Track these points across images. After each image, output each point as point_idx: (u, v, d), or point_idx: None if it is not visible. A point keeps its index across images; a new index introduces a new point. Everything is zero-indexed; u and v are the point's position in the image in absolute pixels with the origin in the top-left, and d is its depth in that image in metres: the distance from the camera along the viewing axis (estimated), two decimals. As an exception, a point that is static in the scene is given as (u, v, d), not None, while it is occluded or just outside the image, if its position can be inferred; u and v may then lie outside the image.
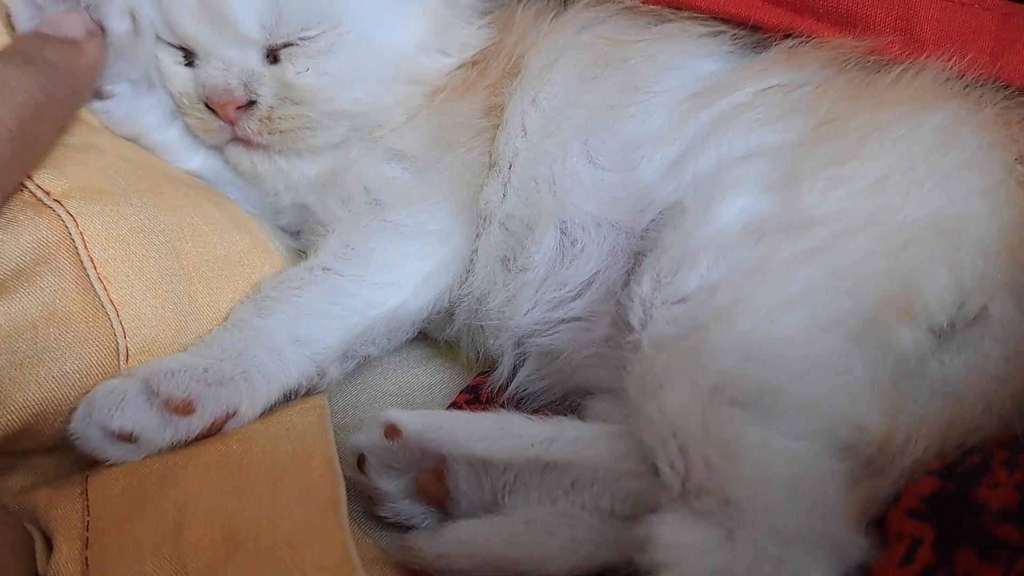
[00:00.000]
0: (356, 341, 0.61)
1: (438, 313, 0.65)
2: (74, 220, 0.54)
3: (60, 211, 0.54)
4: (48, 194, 0.54)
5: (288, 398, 0.57)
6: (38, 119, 0.52)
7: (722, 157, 0.56)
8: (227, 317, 0.59)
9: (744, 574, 0.42)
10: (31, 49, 0.54)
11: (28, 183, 0.55)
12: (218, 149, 0.68)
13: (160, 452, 0.53)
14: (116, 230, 0.55)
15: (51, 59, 0.54)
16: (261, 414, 0.56)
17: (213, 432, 0.54)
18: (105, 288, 0.54)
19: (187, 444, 0.53)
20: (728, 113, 0.57)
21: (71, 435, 0.52)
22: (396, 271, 0.62)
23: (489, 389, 0.65)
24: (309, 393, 0.59)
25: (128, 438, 0.52)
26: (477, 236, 0.64)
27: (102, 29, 0.61)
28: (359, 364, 0.65)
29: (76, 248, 0.54)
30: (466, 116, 0.64)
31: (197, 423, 0.53)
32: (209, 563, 0.46)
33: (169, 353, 0.56)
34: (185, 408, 0.52)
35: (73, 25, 0.57)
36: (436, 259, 0.63)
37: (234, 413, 0.54)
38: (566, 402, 0.62)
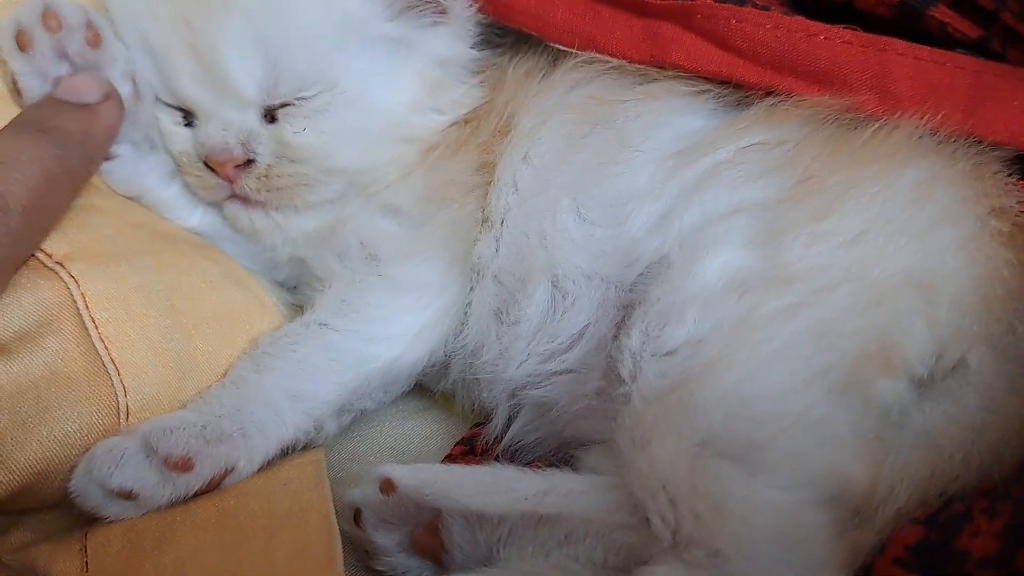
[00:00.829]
0: (352, 395, 0.62)
1: (433, 366, 0.66)
2: (76, 282, 0.55)
3: (62, 273, 0.55)
4: (50, 257, 0.56)
5: (285, 452, 0.58)
6: (51, 191, 0.52)
7: (706, 213, 0.57)
8: (225, 374, 0.60)
9: (733, 625, 0.43)
10: (46, 118, 0.55)
11: None
12: (216, 206, 0.69)
13: (159, 509, 0.54)
14: (117, 291, 0.57)
15: (66, 128, 0.54)
16: (259, 469, 0.57)
17: (211, 488, 0.55)
18: (107, 348, 0.55)
19: (185, 501, 0.54)
20: (711, 170, 0.59)
21: (71, 493, 0.53)
22: (391, 325, 0.63)
23: (484, 441, 0.66)
24: (307, 447, 0.60)
25: (127, 495, 0.53)
26: (471, 289, 0.65)
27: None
28: (356, 418, 0.66)
29: (78, 309, 0.55)
30: (459, 173, 0.66)
31: (196, 480, 0.54)
32: None
33: (169, 411, 0.57)
34: (184, 465, 0.53)
35: (90, 89, 0.58)
36: (430, 312, 0.64)
37: (232, 469, 0.55)
38: (560, 453, 0.63)
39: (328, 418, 0.61)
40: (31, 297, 0.54)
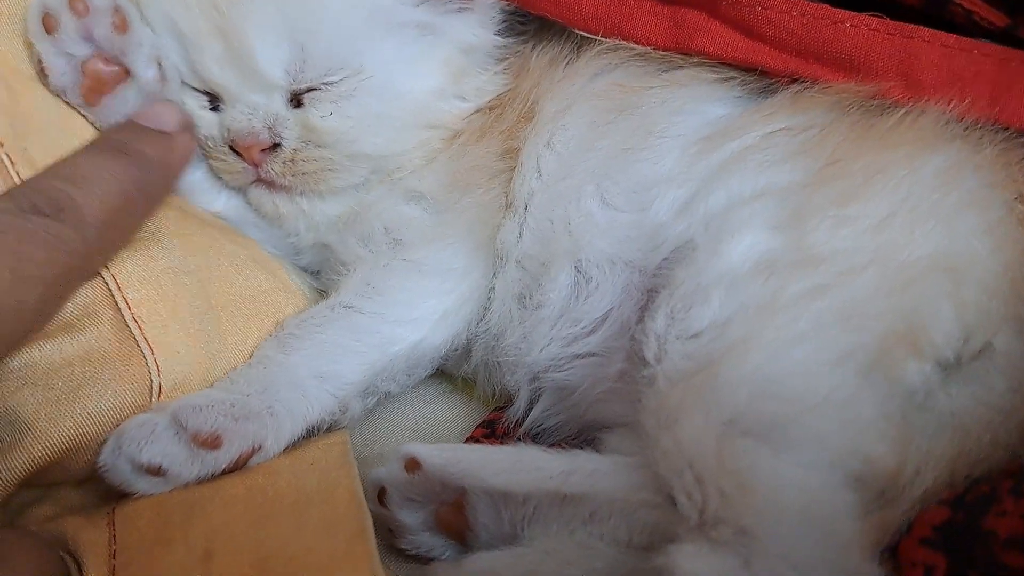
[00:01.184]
0: (377, 377, 0.63)
1: (456, 350, 0.67)
2: (106, 266, 0.56)
3: None
4: None
5: (311, 433, 0.59)
6: (127, 211, 0.53)
7: (731, 197, 0.57)
8: (252, 355, 0.60)
9: (761, 602, 0.43)
10: (127, 141, 0.56)
11: None
12: (241, 191, 0.70)
13: (187, 486, 0.54)
14: (148, 272, 0.57)
15: (146, 152, 0.55)
16: (284, 450, 0.57)
17: (239, 466, 0.55)
18: (140, 328, 0.55)
19: (213, 478, 0.54)
20: (737, 155, 0.59)
21: (101, 467, 0.53)
22: (416, 308, 0.63)
23: (505, 424, 0.66)
24: (331, 429, 0.61)
25: (156, 471, 0.53)
26: (494, 275, 0.66)
27: (128, 73, 0.64)
28: (379, 401, 0.66)
29: (111, 291, 0.55)
30: (483, 159, 0.66)
31: (224, 457, 0.54)
32: None
33: (200, 390, 0.58)
34: (213, 442, 0.53)
35: (169, 118, 0.59)
36: (454, 296, 0.65)
37: (260, 448, 0.55)
38: (581, 436, 0.63)
39: (353, 399, 0.61)
40: None
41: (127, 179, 0.53)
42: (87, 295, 0.55)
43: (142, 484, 0.53)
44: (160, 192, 0.57)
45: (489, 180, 0.66)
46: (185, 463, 0.53)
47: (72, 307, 0.54)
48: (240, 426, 0.54)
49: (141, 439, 0.53)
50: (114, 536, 0.52)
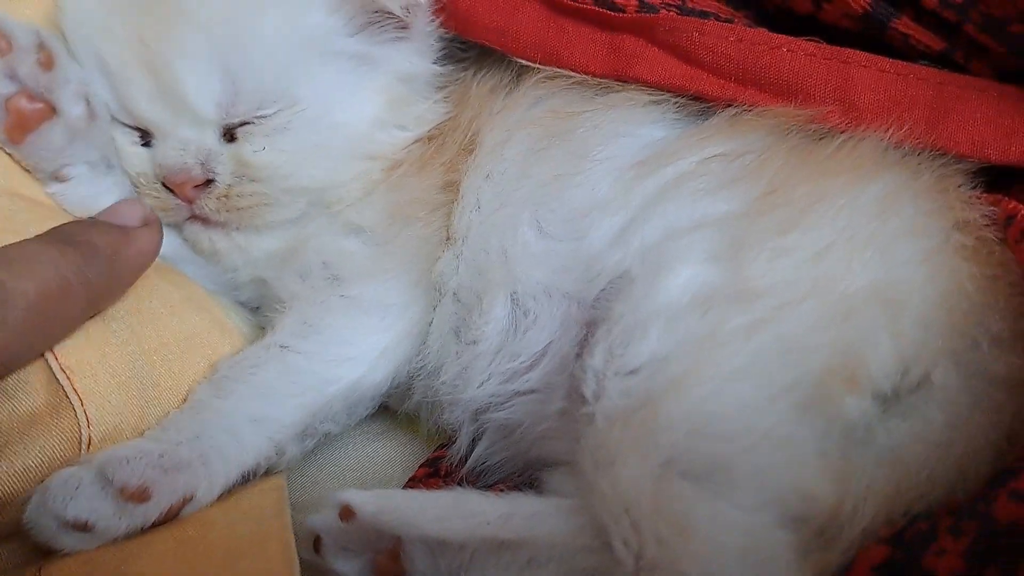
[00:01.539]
0: (315, 418, 0.61)
1: (396, 387, 0.65)
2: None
3: None
4: None
5: (247, 479, 0.57)
6: (63, 299, 0.51)
7: (668, 226, 0.57)
8: (185, 399, 0.59)
9: (698, 652, 0.42)
10: (77, 232, 0.55)
11: None
12: (176, 228, 0.68)
13: (115, 541, 0.52)
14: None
15: (95, 242, 0.54)
16: (219, 496, 0.55)
17: (170, 517, 0.53)
18: (69, 379, 0.54)
19: (143, 532, 0.52)
20: (672, 182, 0.58)
21: (26, 524, 0.51)
22: (354, 346, 0.62)
23: (448, 462, 0.65)
24: (268, 472, 0.59)
25: (83, 527, 0.51)
26: (433, 309, 0.64)
27: (54, 111, 0.62)
28: (319, 441, 0.64)
29: None
30: (424, 192, 0.65)
31: (153, 510, 0.52)
32: None
33: (130, 440, 0.56)
34: (140, 495, 0.51)
35: (131, 215, 0.59)
36: (394, 332, 0.63)
37: (191, 498, 0.53)
38: (526, 474, 0.62)
39: (290, 442, 0.60)
40: None
41: (67, 267, 0.51)
42: None
43: (68, 540, 0.51)
44: (107, 285, 0.56)
45: (429, 213, 0.65)
46: (112, 518, 0.51)
47: None
48: (170, 478, 0.53)
49: (66, 495, 0.51)
50: None
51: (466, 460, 0.64)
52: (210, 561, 0.51)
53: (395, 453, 0.69)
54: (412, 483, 0.64)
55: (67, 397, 0.54)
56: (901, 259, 0.53)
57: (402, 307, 0.64)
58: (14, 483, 0.52)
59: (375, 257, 0.65)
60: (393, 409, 0.69)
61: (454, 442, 0.64)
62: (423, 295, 0.64)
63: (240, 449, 0.56)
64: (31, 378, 0.53)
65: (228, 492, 0.56)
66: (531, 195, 0.62)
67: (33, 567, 0.52)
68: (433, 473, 0.64)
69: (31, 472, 0.52)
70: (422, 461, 0.66)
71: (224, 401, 0.58)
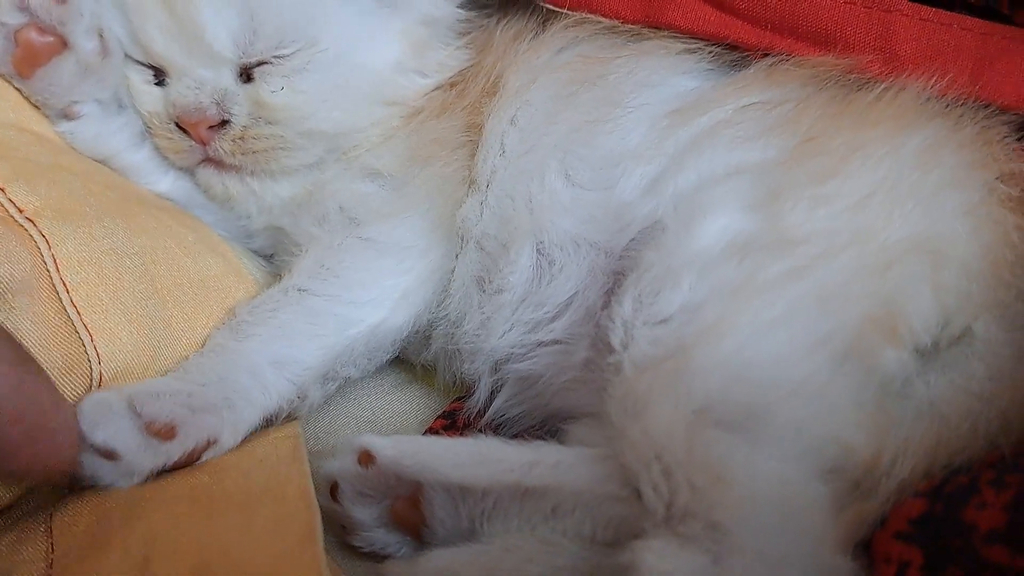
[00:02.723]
0: (336, 362, 0.60)
1: (416, 334, 0.64)
2: (47, 242, 0.53)
3: (33, 231, 0.53)
4: (21, 212, 0.53)
5: (269, 422, 0.56)
6: None
7: (702, 175, 0.55)
8: (204, 343, 0.57)
9: (731, 601, 0.41)
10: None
11: (1, 197, 0.53)
12: (188, 171, 0.67)
13: (133, 479, 0.51)
14: (89, 252, 0.54)
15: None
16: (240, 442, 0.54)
17: (191, 461, 0.52)
18: (79, 313, 0.52)
19: (156, 477, 0.51)
20: (708, 130, 0.57)
21: None
22: (372, 288, 0.61)
23: (466, 415, 0.64)
24: (289, 418, 0.58)
25: (110, 455, 0.50)
26: (456, 256, 0.63)
27: (66, 45, 0.60)
28: (340, 386, 0.63)
29: (48, 271, 0.52)
30: (445, 132, 0.64)
31: (177, 449, 0.51)
32: None
33: (142, 379, 0.54)
34: (167, 432, 0.50)
35: None
36: (413, 275, 0.62)
37: (215, 441, 0.52)
38: (546, 427, 0.60)
39: (312, 385, 0.59)
40: (1, 256, 0.51)
41: None
42: (13, 259, 0.51)
43: (93, 467, 0.50)
44: None
45: (450, 152, 0.63)
46: (138, 451, 0.50)
47: (6, 283, 0.51)
48: (197, 418, 0.52)
49: (97, 418, 0.49)
50: (52, 545, 0.49)
51: (484, 412, 0.63)
52: (226, 506, 0.49)
53: (411, 405, 0.68)
54: (429, 435, 0.63)
55: (76, 332, 0.52)
56: (943, 210, 0.52)
57: (421, 250, 0.62)
58: None
59: (392, 199, 0.63)
60: (410, 360, 0.68)
61: (472, 394, 0.63)
62: (444, 239, 0.63)
63: (263, 392, 0.55)
64: (38, 307, 0.52)
65: (243, 441, 0.54)
66: (559, 142, 0.60)
67: (42, 516, 0.51)
68: (450, 425, 0.63)
69: None
70: (438, 413, 0.65)
71: (244, 343, 0.56)
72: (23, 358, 0.46)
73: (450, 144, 0.63)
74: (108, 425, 0.49)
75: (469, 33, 0.68)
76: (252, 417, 0.54)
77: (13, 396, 0.43)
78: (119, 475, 0.50)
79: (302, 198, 0.65)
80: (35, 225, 0.53)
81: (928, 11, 0.57)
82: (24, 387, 0.44)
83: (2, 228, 0.52)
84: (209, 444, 0.52)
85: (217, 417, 0.52)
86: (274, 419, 0.56)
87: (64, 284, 0.53)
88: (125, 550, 0.47)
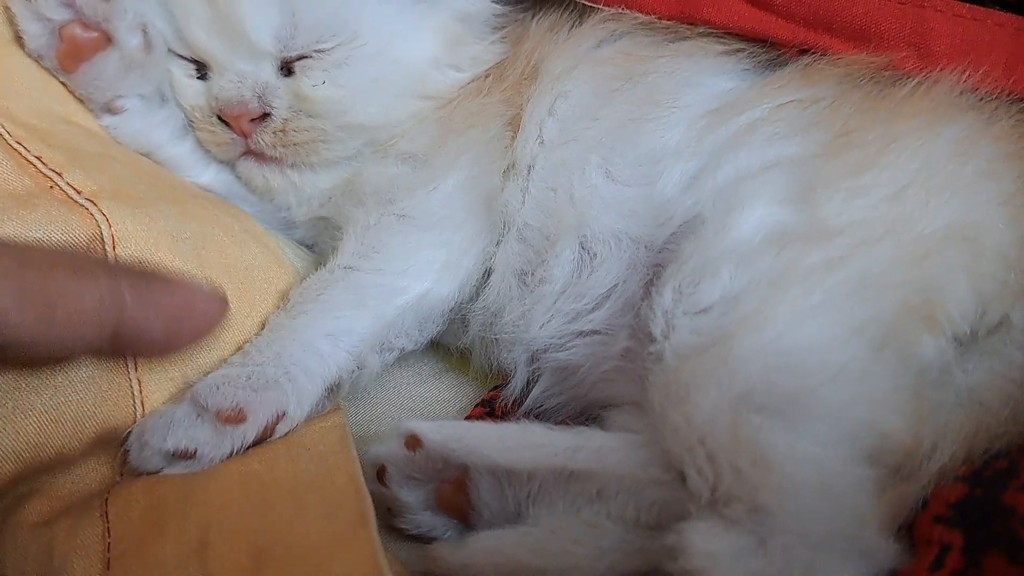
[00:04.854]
0: (388, 331, 0.61)
1: (456, 316, 0.65)
2: (107, 220, 0.53)
3: (94, 211, 0.53)
4: (79, 192, 0.54)
5: (330, 393, 0.57)
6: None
7: (740, 170, 0.56)
8: (249, 328, 0.58)
9: (776, 580, 0.42)
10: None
11: (58, 180, 0.54)
12: (230, 164, 0.68)
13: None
14: (148, 233, 0.55)
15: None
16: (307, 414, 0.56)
17: (266, 437, 0.53)
18: None
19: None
20: (746, 128, 0.58)
21: (131, 465, 0.52)
22: (413, 260, 0.62)
23: (503, 403, 0.64)
24: (334, 408, 0.59)
25: (187, 455, 0.51)
26: (497, 243, 0.64)
27: (109, 40, 0.61)
28: (396, 357, 0.64)
29: (105, 250, 0.53)
30: (482, 107, 0.65)
31: (251, 429, 0.52)
32: None
33: (184, 363, 0.55)
34: (237, 417, 0.52)
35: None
36: (452, 247, 0.62)
37: (284, 414, 0.54)
38: (584, 416, 0.61)
39: (368, 355, 0.60)
40: (61, 233, 0.51)
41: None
42: (72, 236, 0.52)
43: (176, 468, 0.52)
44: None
45: (487, 121, 0.64)
46: (213, 442, 0.52)
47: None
48: (260, 396, 0.53)
49: (162, 429, 0.51)
50: (108, 529, 0.50)
51: (522, 401, 0.64)
52: (277, 493, 0.50)
53: (450, 393, 0.69)
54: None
55: None
56: (979, 201, 0.53)
57: (457, 222, 0.63)
58: (71, 394, 0.51)
59: (422, 172, 0.64)
60: (447, 347, 0.69)
61: (508, 383, 0.64)
62: (482, 212, 0.63)
63: (321, 363, 0.56)
64: None
65: (290, 432, 0.55)
66: (601, 138, 0.61)
67: (98, 500, 0.52)
68: (489, 413, 0.64)
69: (84, 383, 0.52)
70: (476, 401, 0.66)
71: (297, 320, 0.57)
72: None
73: (486, 115, 0.64)
74: (176, 431, 0.51)
75: (504, 28, 0.69)
76: (314, 388, 0.55)
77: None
78: (202, 465, 0.52)
79: (341, 188, 0.67)
80: (95, 204, 0.54)
81: (962, 7, 0.58)
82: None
83: (63, 207, 0.53)
84: (279, 418, 0.53)
85: (280, 391, 0.53)
86: (337, 389, 0.58)
87: (117, 261, 0.53)
88: (181, 535, 0.48)
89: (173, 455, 0.51)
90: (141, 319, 0.47)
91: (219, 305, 0.52)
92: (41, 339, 0.43)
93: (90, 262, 0.47)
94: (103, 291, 0.45)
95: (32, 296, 0.42)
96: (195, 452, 0.51)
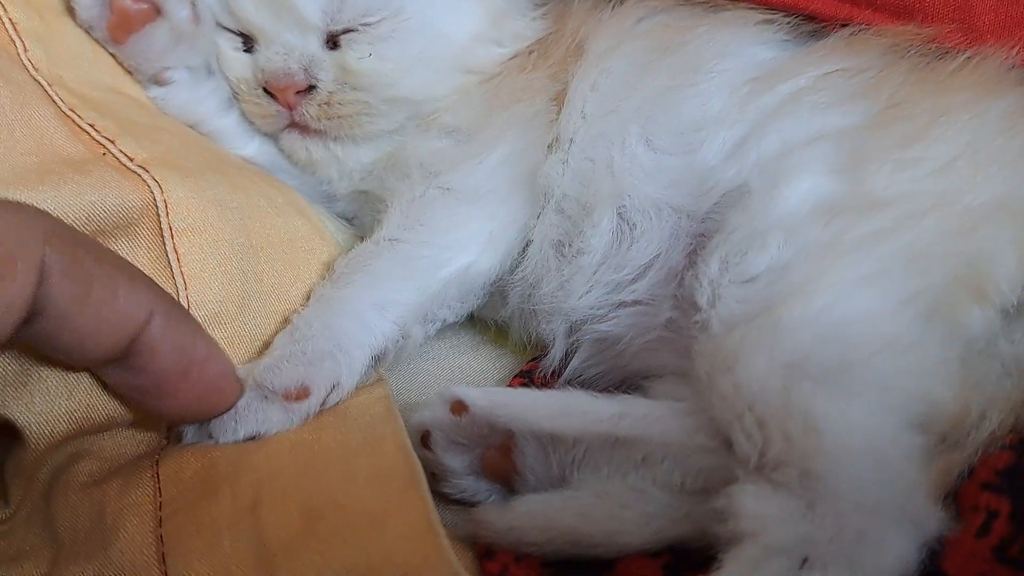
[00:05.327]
0: (432, 303, 0.61)
1: (496, 288, 0.65)
2: (160, 186, 0.54)
3: (147, 177, 0.54)
4: (132, 160, 0.55)
5: (376, 363, 0.58)
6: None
7: (786, 140, 0.56)
8: (290, 299, 0.59)
9: (826, 544, 0.42)
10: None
11: (111, 148, 0.55)
12: (273, 137, 0.69)
13: None
14: (198, 201, 0.56)
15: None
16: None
17: (320, 408, 0.54)
18: (179, 259, 0.54)
19: None
20: (790, 97, 0.58)
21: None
22: (458, 233, 0.62)
23: (542, 374, 0.65)
24: (378, 380, 0.59)
25: (258, 437, 0.52)
26: (537, 216, 0.64)
27: (158, 12, 0.62)
28: (440, 328, 0.65)
29: (159, 215, 0.54)
30: (528, 83, 0.65)
31: (314, 403, 0.53)
32: (289, 537, 0.46)
33: (229, 330, 0.56)
34: (302, 393, 0.52)
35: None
36: (498, 220, 0.63)
37: (338, 384, 0.54)
38: (624, 386, 0.62)
39: (413, 325, 0.60)
40: (115, 198, 0.52)
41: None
42: (125, 202, 0.53)
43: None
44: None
45: (533, 96, 0.64)
46: (284, 420, 0.52)
47: (107, 215, 0.52)
48: (318, 369, 0.54)
49: (233, 421, 0.51)
50: (159, 489, 0.50)
51: (560, 372, 0.64)
52: (327, 458, 0.51)
53: (487, 365, 0.69)
54: (512, 390, 0.64)
55: (172, 278, 0.54)
56: (1027, 175, 0.53)
57: (503, 195, 0.63)
58: None
59: (468, 146, 0.65)
60: (485, 319, 0.70)
61: (547, 354, 0.65)
62: (526, 187, 0.63)
63: (368, 332, 0.57)
64: (139, 251, 0.54)
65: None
66: (640, 107, 0.61)
67: (147, 462, 0.52)
68: (527, 384, 0.64)
69: None
70: (515, 372, 0.66)
71: (344, 291, 0.58)
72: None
73: (532, 90, 0.65)
74: (248, 419, 0.51)
75: (545, 4, 0.69)
76: (363, 357, 0.56)
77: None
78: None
79: (383, 162, 0.67)
80: (148, 172, 0.54)
81: (1006, -18, 0.58)
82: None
83: (116, 173, 0.54)
84: (334, 388, 0.54)
85: (334, 362, 0.54)
86: (382, 359, 0.58)
87: (171, 229, 0.54)
88: (234, 497, 0.48)
89: (248, 439, 0.51)
90: (159, 346, 0.46)
91: (236, 391, 0.51)
92: (69, 319, 0.43)
93: (139, 273, 0.47)
94: (138, 297, 0.45)
95: (75, 272, 0.42)
96: (267, 433, 0.52)
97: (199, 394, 0.49)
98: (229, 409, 0.51)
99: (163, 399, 0.48)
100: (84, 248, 0.44)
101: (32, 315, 0.42)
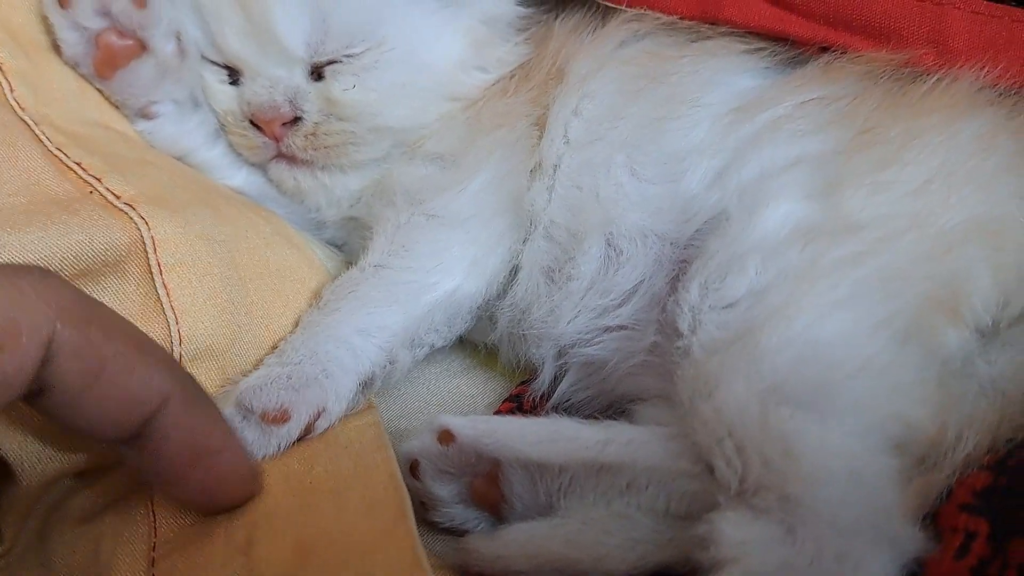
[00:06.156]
0: (418, 327, 0.62)
1: (485, 312, 0.66)
2: (147, 224, 0.55)
3: (133, 215, 0.55)
4: (119, 198, 0.55)
5: (364, 388, 0.58)
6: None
7: (764, 167, 0.57)
8: (281, 329, 0.60)
9: (806, 568, 0.43)
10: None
11: (97, 186, 0.56)
12: (261, 167, 0.69)
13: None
14: (186, 236, 0.56)
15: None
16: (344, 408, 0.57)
17: (307, 434, 0.55)
18: (168, 294, 0.54)
19: None
20: (769, 125, 0.59)
21: None
22: (442, 258, 0.63)
23: (531, 398, 0.66)
24: (368, 406, 0.60)
25: None
26: (524, 241, 0.65)
27: (144, 48, 0.63)
28: (427, 353, 0.66)
29: (146, 252, 0.54)
30: (509, 107, 0.66)
31: (294, 427, 0.53)
32: (282, 573, 0.46)
33: (220, 363, 0.57)
34: (282, 417, 0.53)
35: None
36: (480, 245, 0.64)
37: (323, 410, 0.55)
38: (612, 409, 0.62)
39: (400, 350, 0.61)
40: (103, 236, 0.53)
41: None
42: (113, 240, 0.53)
43: None
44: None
45: (514, 121, 0.65)
46: (261, 442, 0.53)
47: (95, 255, 0.52)
48: (301, 395, 0.54)
49: None
50: (155, 529, 0.51)
51: (549, 396, 0.65)
52: (318, 492, 0.51)
53: (477, 389, 0.70)
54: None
55: (163, 312, 0.55)
56: (1001, 195, 0.53)
57: (484, 219, 0.64)
58: None
59: (451, 172, 0.65)
60: (475, 343, 0.70)
61: (536, 378, 0.65)
62: (509, 210, 0.64)
63: (355, 358, 0.58)
64: (129, 287, 0.54)
65: (326, 430, 0.56)
66: (626, 137, 0.62)
67: (144, 497, 0.52)
68: (517, 408, 0.65)
69: None
70: (504, 396, 0.67)
71: (330, 317, 0.59)
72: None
73: (514, 115, 0.65)
74: None
75: (528, 29, 0.70)
76: (349, 383, 0.57)
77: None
78: None
79: (370, 189, 0.68)
80: (134, 209, 0.55)
81: (980, 4, 0.58)
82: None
83: (103, 212, 0.54)
84: (319, 414, 0.54)
85: (319, 388, 0.55)
86: (370, 385, 0.59)
87: (160, 265, 0.55)
88: (228, 536, 0.49)
89: None
90: (172, 433, 0.44)
91: (250, 489, 0.50)
92: (79, 399, 0.42)
93: (158, 352, 0.46)
94: (153, 381, 0.44)
95: (87, 352, 0.41)
96: None
97: (207, 487, 0.48)
98: (239, 506, 0.50)
99: (169, 486, 0.48)
100: (99, 325, 0.42)
101: (37, 391, 0.41)
